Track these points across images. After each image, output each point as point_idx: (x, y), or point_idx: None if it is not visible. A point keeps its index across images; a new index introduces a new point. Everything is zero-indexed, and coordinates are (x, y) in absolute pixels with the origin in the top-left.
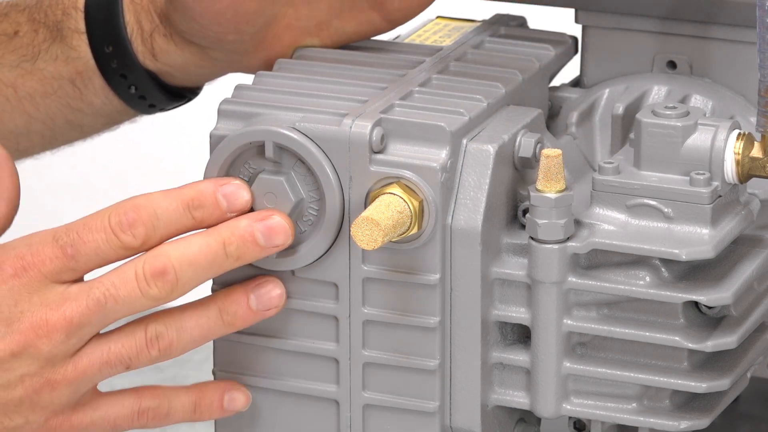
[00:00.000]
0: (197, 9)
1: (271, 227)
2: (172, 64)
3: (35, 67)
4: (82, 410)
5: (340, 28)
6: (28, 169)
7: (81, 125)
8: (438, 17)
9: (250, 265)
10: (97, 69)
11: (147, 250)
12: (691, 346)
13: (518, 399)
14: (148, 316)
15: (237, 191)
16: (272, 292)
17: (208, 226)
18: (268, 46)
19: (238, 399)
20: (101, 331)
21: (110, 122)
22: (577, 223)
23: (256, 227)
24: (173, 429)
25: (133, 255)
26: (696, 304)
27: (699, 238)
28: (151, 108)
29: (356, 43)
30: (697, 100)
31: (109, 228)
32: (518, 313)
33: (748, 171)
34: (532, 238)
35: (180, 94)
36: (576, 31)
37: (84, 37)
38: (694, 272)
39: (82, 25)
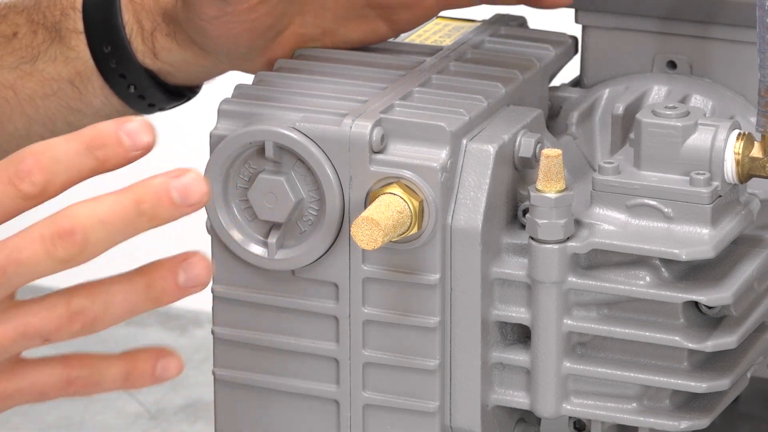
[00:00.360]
0: (215, 32)
1: (187, 185)
2: (172, 62)
3: (35, 68)
4: (5, 378)
5: (346, 36)
6: None
7: (81, 126)
8: (438, 17)
9: (248, 263)
10: (96, 69)
11: (49, 197)
12: (691, 346)
13: (518, 399)
14: (71, 288)
15: (139, 128)
16: (200, 267)
17: (112, 168)
18: (272, 51)
19: (170, 367)
20: (21, 299)
21: None
22: (577, 223)
23: (171, 184)
24: (173, 428)
25: (35, 204)
26: (696, 304)
27: (699, 238)
28: (151, 107)
29: None
30: (697, 100)
31: (6, 178)
32: (518, 313)
33: (748, 171)
34: (532, 238)
35: (179, 93)
36: (576, 31)
37: (82, 37)
38: (694, 272)
39: (80, 25)
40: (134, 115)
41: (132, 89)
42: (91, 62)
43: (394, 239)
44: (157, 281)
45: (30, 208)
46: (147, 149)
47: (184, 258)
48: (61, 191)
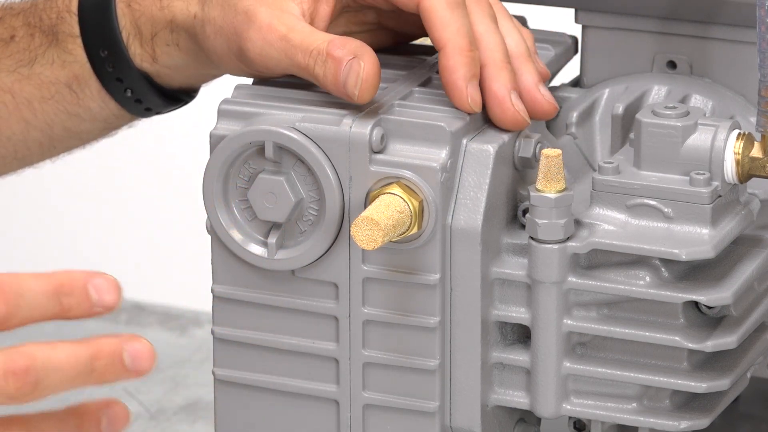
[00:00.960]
0: (254, 75)
1: (139, 351)
2: (171, 65)
3: (32, 71)
4: None
5: None
6: (29, 172)
7: (79, 132)
8: None
9: (248, 263)
10: (93, 73)
11: (7, 329)
12: (691, 346)
13: (518, 399)
14: (4, 419)
15: (108, 286)
16: (120, 415)
17: (73, 317)
18: None
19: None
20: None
21: (108, 127)
22: (577, 223)
23: (125, 348)
24: (173, 428)
25: None
26: (696, 304)
27: (699, 238)
28: (148, 111)
29: None
30: (697, 100)
31: None
32: (518, 313)
33: (748, 171)
34: (532, 238)
35: (176, 97)
36: (576, 31)
37: (79, 41)
38: (694, 272)
39: (76, 29)
40: (106, 274)
41: (129, 93)
42: (88, 66)
43: (394, 239)
44: (85, 423)
45: None
46: (109, 309)
47: (106, 405)
48: (20, 326)
